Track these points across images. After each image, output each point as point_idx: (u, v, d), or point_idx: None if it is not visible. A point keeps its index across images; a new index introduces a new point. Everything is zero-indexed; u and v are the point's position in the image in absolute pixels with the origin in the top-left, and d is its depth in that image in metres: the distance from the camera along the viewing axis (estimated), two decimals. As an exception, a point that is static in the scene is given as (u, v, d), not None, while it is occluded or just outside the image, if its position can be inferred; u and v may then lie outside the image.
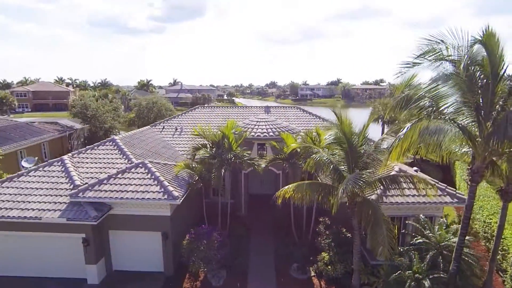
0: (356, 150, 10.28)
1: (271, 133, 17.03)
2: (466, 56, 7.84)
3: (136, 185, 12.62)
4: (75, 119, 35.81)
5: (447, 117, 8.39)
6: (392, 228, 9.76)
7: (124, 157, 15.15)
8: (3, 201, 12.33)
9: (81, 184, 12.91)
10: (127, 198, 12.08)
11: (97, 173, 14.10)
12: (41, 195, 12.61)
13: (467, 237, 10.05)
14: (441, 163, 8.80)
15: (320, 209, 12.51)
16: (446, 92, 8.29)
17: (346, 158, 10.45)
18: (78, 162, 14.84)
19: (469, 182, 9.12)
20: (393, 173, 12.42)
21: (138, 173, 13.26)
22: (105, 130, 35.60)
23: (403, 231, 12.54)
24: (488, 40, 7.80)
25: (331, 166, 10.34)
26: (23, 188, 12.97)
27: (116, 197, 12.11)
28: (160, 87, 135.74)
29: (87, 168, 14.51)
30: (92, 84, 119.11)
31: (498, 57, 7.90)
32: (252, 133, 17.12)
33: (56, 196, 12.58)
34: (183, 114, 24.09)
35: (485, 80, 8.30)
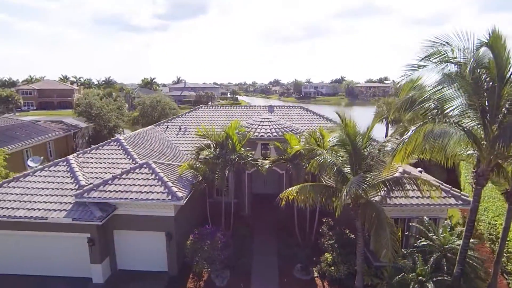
0: (360, 152, 10.25)
1: (274, 134, 17.02)
2: (472, 59, 7.77)
3: (141, 185, 12.71)
4: (80, 118, 36.09)
5: (452, 120, 8.33)
6: (396, 231, 9.73)
7: (129, 157, 15.25)
8: (10, 201, 12.49)
9: (86, 184, 13.03)
10: (131, 198, 12.17)
11: (101, 173, 14.21)
12: (47, 195, 12.76)
13: (471, 240, 10.00)
14: (446, 166, 8.74)
15: (324, 209, 12.52)
16: (451, 94, 8.24)
17: (350, 160, 10.42)
18: (83, 162, 14.97)
19: (474, 185, 9.06)
20: (397, 174, 12.38)
21: (142, 173, 13.35)
22: (110, 128, 35.86)
23: (406, 233, 12.50)
24: (495, 42, 7.72)
25: (335, 168, 10.32)
26: (29, 188, 13.12)
27: (120, 198, 12.21)
28: (164, 85, 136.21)
29: (92, 168, 14.63)
30: (96, 82, 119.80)
31: (505, 59, 7.82)
32: (256, 133, 17.12)
33: (62, 196, 12.72)
34: (187, 114, 24.15)
35: (491, 83, 8.22)
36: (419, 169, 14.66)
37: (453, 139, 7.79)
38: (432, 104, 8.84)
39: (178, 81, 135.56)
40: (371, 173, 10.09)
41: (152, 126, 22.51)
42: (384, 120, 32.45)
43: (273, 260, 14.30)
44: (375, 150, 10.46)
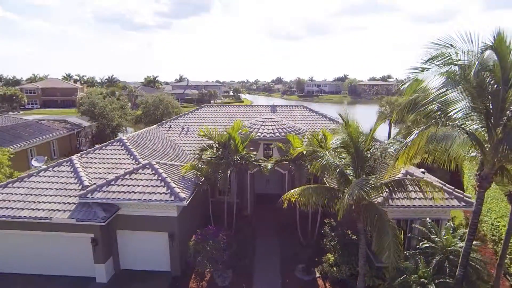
0: (363, 154, 10.22)
1: (277, 134, 17.01)
2: (477, 62, 7.70)
3: (144, 186, 12.77)
4: (83, 117, 36.27)
5: (455, 123, 8.29)
6: (398, 233, 9.72)
7: (132, 157, 15.33)
8: (15, 201, 12.61)
9: (90, 185, 13.12)
10: (134, 199, 12.24)
11: (105, 173, 14.29)
12: (51, 195, 12.87)
13: (474, 242, 9.97)
14: (449, 169, 8.69)
15: (326, 210, 12.50)
16: (455, 97, 8.15)
17: (353, 162, 10.40)
18: (87, 162, 15.06)
19: (477, 188, 9.02)
20: (399, 175, 12.36)
21: (145, 174, 13.41)
22: (113, 127, 36.02)
23: (409, 234, 12.48)
24: (499, 45, 7.65)
25: (337, 170, 10.30)
26: (33, 188, 13.23)
27: (123, 198, 12.28)
28: (166, 83, 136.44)
29: (95, 168, 14.72)
30: (99, 81, 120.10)
31: (510, 62, 7.75)
32: (258, 134, 17.11)
33: (66, 196, 12.82)
34: (190, 113, 24.19)
35: (495, 86, 8.16)
36: (422, 169, 14.61)
37: (456, 142, 7.75)
38: (436, 107, 8.80)
39: (181, 79, 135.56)
40: (374, 175, 10.07)
41: (155, 125, 22.58)
42: (387, 119, 32.30)
43: (275, 260, 14.35)
44: (378, 152, 10.43)
